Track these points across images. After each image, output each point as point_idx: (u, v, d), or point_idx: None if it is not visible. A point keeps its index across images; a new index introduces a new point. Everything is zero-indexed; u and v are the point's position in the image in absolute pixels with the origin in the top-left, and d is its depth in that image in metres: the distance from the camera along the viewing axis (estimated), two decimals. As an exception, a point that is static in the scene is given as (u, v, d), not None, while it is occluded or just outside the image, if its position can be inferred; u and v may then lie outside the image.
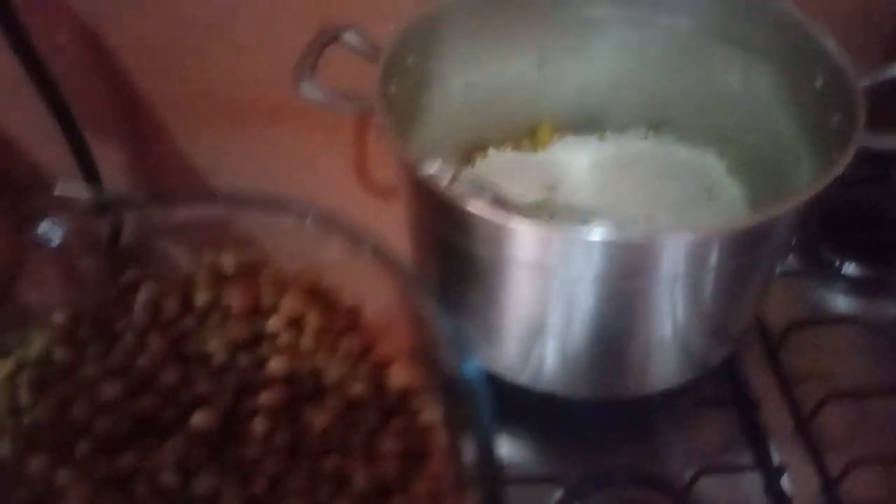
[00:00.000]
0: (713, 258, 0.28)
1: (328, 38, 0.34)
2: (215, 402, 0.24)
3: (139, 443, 0.23)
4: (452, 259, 0.32)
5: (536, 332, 0.33)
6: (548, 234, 0.28)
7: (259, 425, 0.23)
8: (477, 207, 0.27)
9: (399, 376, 0.26)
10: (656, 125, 0.44)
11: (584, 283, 0.29)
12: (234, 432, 0.23)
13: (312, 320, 0.27)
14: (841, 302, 0.44)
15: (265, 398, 0.24)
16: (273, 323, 0.26)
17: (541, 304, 0.31)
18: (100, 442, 0.22)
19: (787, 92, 0.36)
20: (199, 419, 0.23)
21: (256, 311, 0.27)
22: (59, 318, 0.26)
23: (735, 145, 0.41)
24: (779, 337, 0.41)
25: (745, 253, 0.29)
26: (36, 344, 0.25)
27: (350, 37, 0.34)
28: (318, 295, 0.28)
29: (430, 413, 0.25)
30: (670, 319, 0.31)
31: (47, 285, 0.27)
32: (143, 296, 0.27)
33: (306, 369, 0.25)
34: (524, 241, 0.28)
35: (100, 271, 0.29)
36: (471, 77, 0.39)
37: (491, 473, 0.20)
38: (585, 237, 0.26)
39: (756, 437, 0.37)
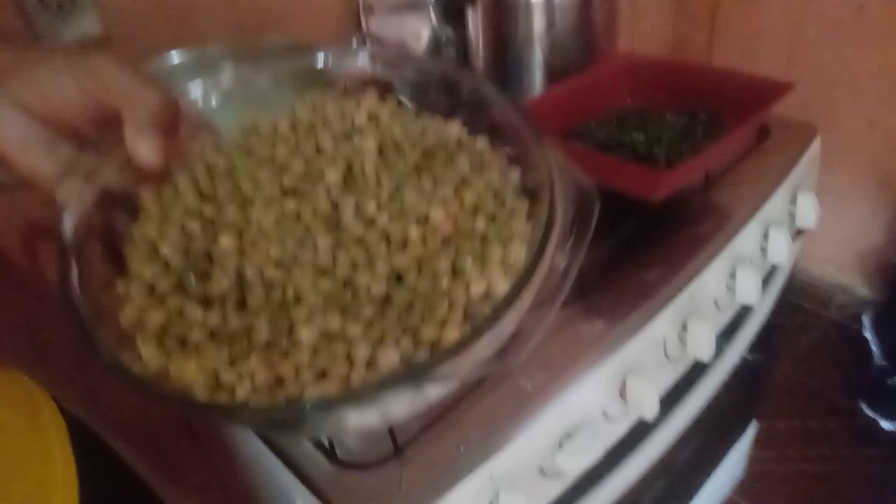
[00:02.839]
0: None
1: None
2: (335, 167, 0.36)
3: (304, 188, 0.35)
4: None
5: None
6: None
7: (368, 167, 0.36)
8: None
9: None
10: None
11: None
12: (353, 185, 0.36)
13: (385, 113, 0.39)
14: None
15: (367, 160, 0.36)
16: (359, 117, 0.39)
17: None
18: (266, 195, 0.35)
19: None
20: (330, 175, 0.36)
21: (345, 115, 0.39)
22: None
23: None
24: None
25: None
26: (202, 159, 0.37)
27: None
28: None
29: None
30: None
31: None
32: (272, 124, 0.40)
33: (389, 142, 0.38)
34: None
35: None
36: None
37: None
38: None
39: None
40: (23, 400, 0.39)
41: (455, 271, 0.31)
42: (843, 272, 1.49)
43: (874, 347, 1.32)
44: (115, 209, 0.35)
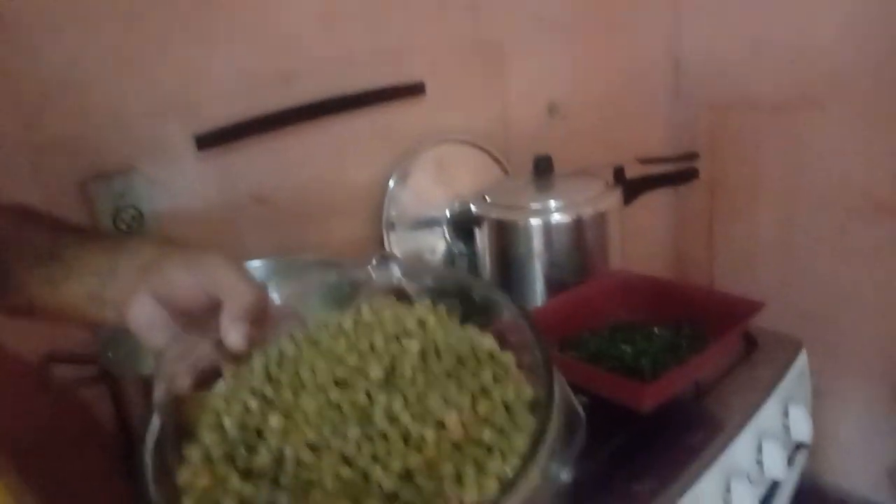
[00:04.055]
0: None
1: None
2: (380, 364, 0.40)
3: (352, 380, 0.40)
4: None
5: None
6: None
7: (407, 368, 0.40)
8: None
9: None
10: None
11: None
12: (393, 381, 0.40)
13: (432, 319, 0.44)
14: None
15: (408, 361, 0.41)
16: (409, 322, 0.44)
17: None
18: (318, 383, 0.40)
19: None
20: (374, 371, 0.40)
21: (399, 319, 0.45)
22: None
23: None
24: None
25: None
26: (277, 345, 0.42)
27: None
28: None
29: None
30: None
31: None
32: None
33: (430, 346, 0.42)
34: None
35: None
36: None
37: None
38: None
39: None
40: None
41: (457, 476, 0.33)
42: (876, 489, 1.41)
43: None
44: (204, 379, 0.40)
